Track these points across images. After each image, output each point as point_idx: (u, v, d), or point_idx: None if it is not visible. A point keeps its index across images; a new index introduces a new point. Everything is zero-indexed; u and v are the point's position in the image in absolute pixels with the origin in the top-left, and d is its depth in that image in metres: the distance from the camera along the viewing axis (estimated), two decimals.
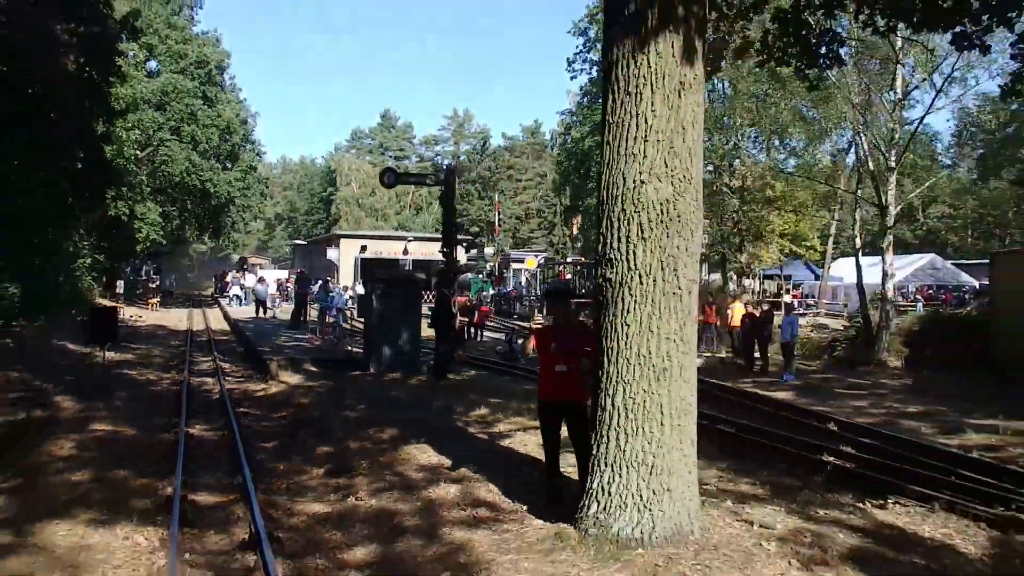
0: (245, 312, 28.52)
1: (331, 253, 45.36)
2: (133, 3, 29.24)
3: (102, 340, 12.64)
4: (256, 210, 45.83)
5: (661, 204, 4.49)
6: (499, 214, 52.08)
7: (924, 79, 15.97)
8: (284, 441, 8.74)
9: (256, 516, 5.68)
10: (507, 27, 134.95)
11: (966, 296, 31.78)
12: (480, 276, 41.72)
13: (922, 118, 16.88)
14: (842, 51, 9.11)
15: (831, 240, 29.17)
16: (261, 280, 31.05)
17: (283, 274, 46.10)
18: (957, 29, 7.92)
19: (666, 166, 4.50)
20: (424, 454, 7.32)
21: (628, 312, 4.53)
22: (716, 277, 29.91)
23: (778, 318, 18.08)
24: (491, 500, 5.76)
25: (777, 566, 4.32)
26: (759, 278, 28.81)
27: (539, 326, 6.83)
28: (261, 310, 27.00)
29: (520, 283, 42.47)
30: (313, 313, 22.11)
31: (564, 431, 5.60)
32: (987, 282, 20.85)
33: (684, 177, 4.53)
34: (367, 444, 8.04)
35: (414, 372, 13.03)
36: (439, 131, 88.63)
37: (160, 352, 17.58)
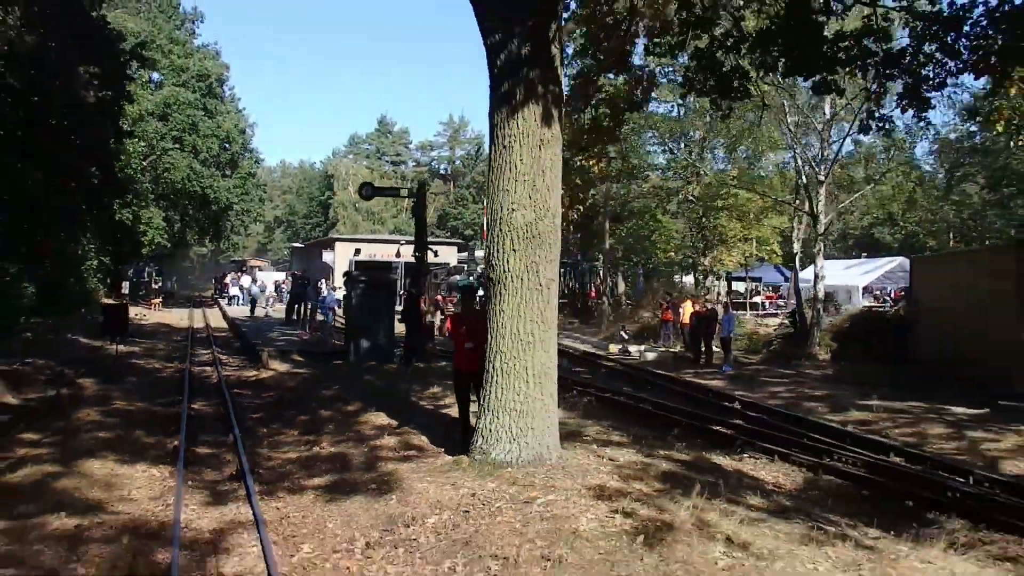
0: (243, 311, 30.36)
1: (326, 256, 47.14)
2: (139, 16, 31.20)
3: (114, 332, 14.48)
4: (254, 214, 47.67)
5: (526, 226, 6.34)
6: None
7: (847, 104, 17.74)
8: (269, 413, 10.59)
9: (242, 458, 7.55)
10: None
11: None
12: (471, 277, 43.54)
13: (844, 139, 18.63)
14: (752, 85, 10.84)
15: (798, 244, 30.95)
16: (255, 281, 32.88)
17: (281, 276, 47.88)
18: (817, 77, 9.85)
19: (530, 199, 6.35)
20: (379, 419, 9.18)
21: (504, 302, 6.38)
22: (690, 279, 31.78)
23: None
24: (419, 445, 7.62)
25: (603, 478, 6.16)
26: (725, 280, 30.63)
27: (451, 314, 8.63)
28: (255, 309, 28.83)
29: None
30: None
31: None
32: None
33: (543, 206, 6.38)
34: (335, 414, 9.89)
35: (387, 361, 14.86)
36: (435, 137, 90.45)
37: (164, 346, 19.39)
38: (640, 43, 12.12)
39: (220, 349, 18.81)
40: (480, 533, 5.10)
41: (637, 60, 15.65)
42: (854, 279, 39.29)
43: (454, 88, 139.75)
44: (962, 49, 9.01)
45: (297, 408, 10.63)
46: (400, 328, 15.76)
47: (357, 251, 45.55)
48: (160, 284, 44.46)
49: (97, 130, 16.19)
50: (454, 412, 9.20)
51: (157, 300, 36.31)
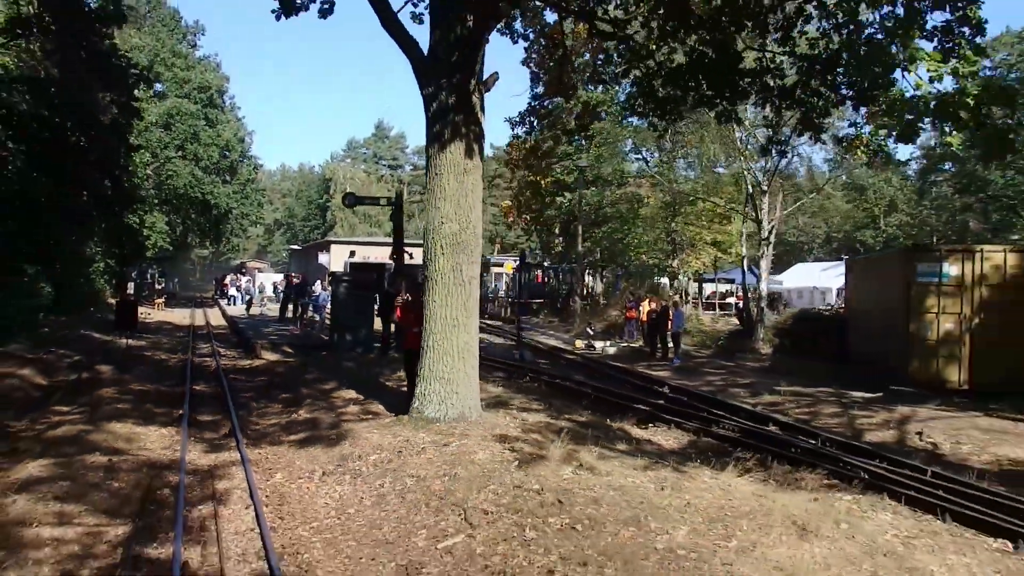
0: (241, 311, 32.25)
1: (323, 258, 49.07)
2: (143, 31, 33.11)
3: (126, 326, 16.34)
4: (253, 218, 49.57)
5: (452, 235, 8.20)
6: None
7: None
8: (259, 392, 12.44)
9: (234, 423, 9.41)
10: (496, 40, 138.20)
11: None
12: None
13: (783, 152, 20.38)
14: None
15: (770, 248, 32.75)
16: (250, 282, 34.81)
17: (278, 277, 49.78)
18: (719, 108, 11.69)
19: (455, 214, 8.21)
20: (349, 395, 11.04)
21: (436, 294, 8.24)
22: (665, 280, 33.67)
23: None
24: (376, 411, 9.49)
25: (509, 431, 8.00)
26: (696, 281, 32.49)
27: (401, 304, 10.48)
28: (251, 308, 30.75)
29: (498, 285, 46.12)
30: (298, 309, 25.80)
31: None
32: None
33: (466, 220, 8.24)
34: (314, 392, 11.74)
35: (367, 351, 16.72)
36: None
37: (168, 341, 21.23)
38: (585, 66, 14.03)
39: (219, 343, 20.64)
40: (406, 464, 6.95)
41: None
42: (830, 280, 41.22)
43: None
44: (840, 85, 10.87)
45: (283, 389, 12.49)
46: (380, 323, 17.62)
47: (352, 253, 47.52)
48: (163, 285, 46.27)
49: (109, 145, 18.11)
50: None
51: (160, 300, 38.09)
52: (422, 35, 8.58)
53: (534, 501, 5.69)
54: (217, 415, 10.44)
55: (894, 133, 7.88)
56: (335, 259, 48.54)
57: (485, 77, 8.57)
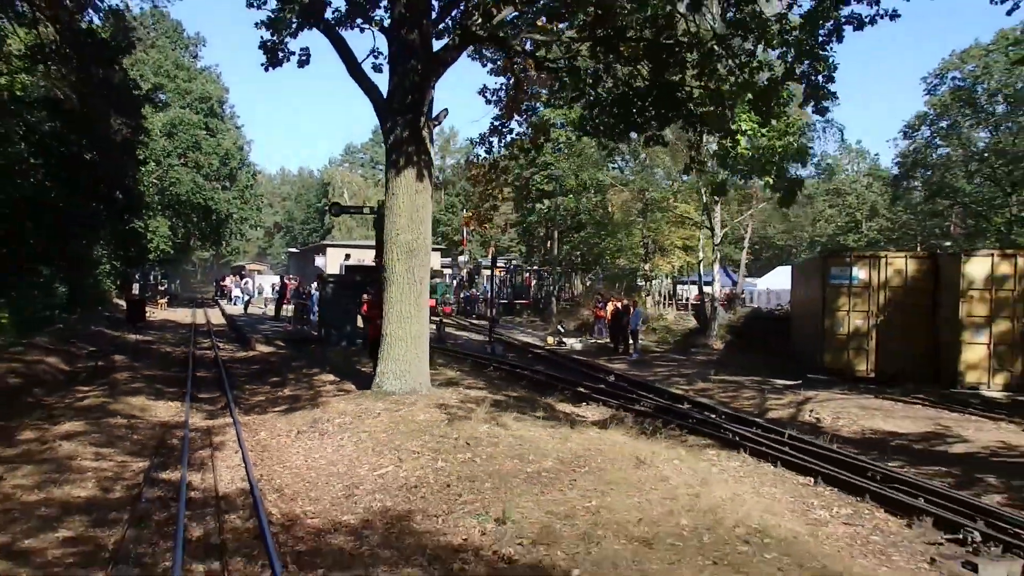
0: (239, 310, 34.21)
1: (319, 260, 51.01)
2: (145, 42, 35.00)
3: (135, 320, 18.24)
4: (253, 222, 51.48)
5: (407, 244, 10.10)
6: (468, 228, 57.58)
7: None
8: (252, 377, 14.36)
9: (229, 398, 11.32)
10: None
11: None
12: (444, 281, 47.25)
13: (733, 164, 22.26)
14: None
15: (745, 252, 34.69)
16: (247, 283, 36.80)
17: (276, 279, 51.71)
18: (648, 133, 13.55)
19: (409, 226, 10.11)
20: (328, 377, 12.95)
21: (392, 291, 10.15)
22: (642, 283, 35.63)
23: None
24: (347, 389, 11.40)
25: (450, 401, 9.89)
26: (670, 282, 34.45)
27: (367, 300, 12.43)
28: (248, 307, 32.70)
29: (487, 288, 48.04)
30: (291, 309, 27.74)
31: None
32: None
33: (417, 231, 10.15)
34: (299, 376, 13.66)
35: (351, 345, 18.61)
36: None
37: (172, 336, 23.17)
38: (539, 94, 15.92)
39: (218, 338, 22.56)
40: (363, 425, 8.86)
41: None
42: (781, 284, 43.32)
43: (444, 101, 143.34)
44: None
45: (273, 374, 14.41)
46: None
47: (347, 256, 49.41)
48: (165, 286, 48.20)
49: (119, 161, 20.09)
50: None
51: (163, 300, 40.04)
52: (382, 81, 10.52)
53: (450, 444, 7.61)
54: (215, 393, 12.36)
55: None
56: (331, 262, 50.42)
57: (436, 114, 10.49)
